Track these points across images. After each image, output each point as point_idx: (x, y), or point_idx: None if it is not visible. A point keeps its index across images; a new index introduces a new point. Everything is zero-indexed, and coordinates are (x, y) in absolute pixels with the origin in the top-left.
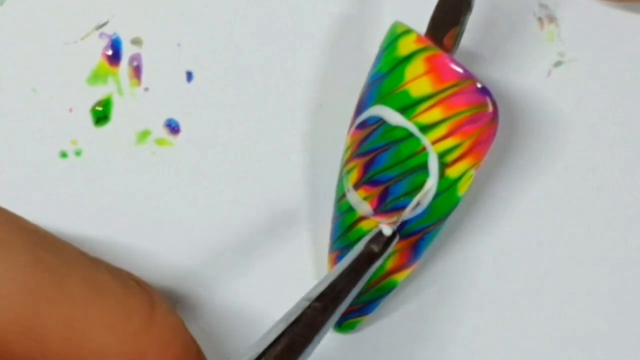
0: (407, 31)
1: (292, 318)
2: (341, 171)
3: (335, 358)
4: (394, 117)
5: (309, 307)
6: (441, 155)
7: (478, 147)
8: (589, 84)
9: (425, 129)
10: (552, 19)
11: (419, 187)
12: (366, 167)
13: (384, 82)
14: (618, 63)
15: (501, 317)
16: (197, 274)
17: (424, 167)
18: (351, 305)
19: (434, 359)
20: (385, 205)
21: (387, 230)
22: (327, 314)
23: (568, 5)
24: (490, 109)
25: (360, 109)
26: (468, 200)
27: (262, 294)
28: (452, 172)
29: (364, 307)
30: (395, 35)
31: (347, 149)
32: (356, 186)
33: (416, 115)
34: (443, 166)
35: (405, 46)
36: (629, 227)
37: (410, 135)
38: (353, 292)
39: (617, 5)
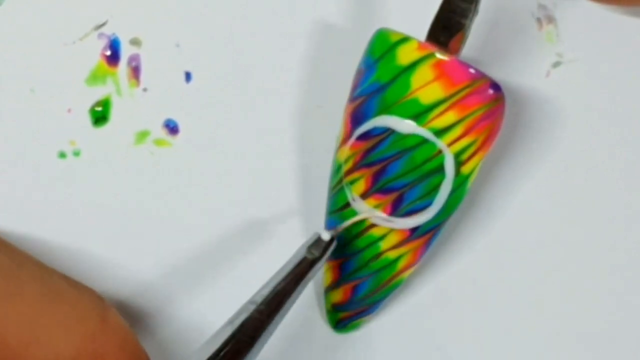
0: (405, 39)
1: (239, 321)
2: (338, 183)
3: (335, 358)
4: (405, 125)
5: (255, 310)
6: (457, 155)
7: (489, 140)
8: (587, 85)
9: (440, 132)
10: (550, 19)
11: (435, 188)
12: (376, 177)
13: (386, 92)
14: (617, 63)
15: (500, 316)
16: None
17: (439, 170)
18: (359, 306)
19: (433, 359)
20: (400, 210)
21: (326, 235)
22: (272, 317)
23: (567, 6)
24: (502, 101)
25: (358, 120)
26: (468, 201)
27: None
28: (466, 168)
29: (371, 307)
30: (390, 43)
31: (347, 160)
32: (364, 196)
33: (430, 121)
34: (459, 165)
35: (406, 54)
36: (629, 226)
37: (424, 141)
38: (295, 295)
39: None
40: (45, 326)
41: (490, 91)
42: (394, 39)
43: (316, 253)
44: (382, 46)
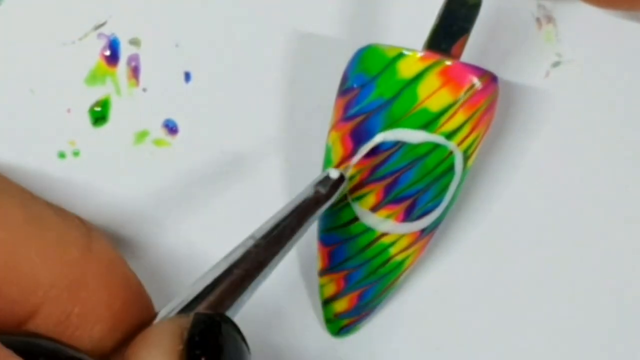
0: (404, 52)
1: (237, 255)
2: (340, 200)
3: (333, 359)
4: (416, 136)
5: (253, 245)
6: (465, 152)
7: (488, 128)
8: (587, 85)
9: (450, 135)
10: (550, 19)
11: (445, 187)
12: (387, 190)
13: (391, 107)
14: (616, 63)
15: (499, 316)
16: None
17: (450, 169)
18: (363, 311)
19: (433, 359)
20: (413, 215)
21: (334, 174)
22: (271, 252)
23: (566, 6)
24: (498, 90)
25: (361, 138)
26: (465, 201)
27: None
28: (471, 161)
29: (374, 310)
30: (388, 59)
31: (351, 178)
32: (375, 209)
33: (440, 127)
34: (466, 160)
35: (408, 67)
36: (629, 227)
37: (436, 146)
38: (299, 233)
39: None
40: (26, 252)
41: (492, 85)
42: (391, 54)
43: (323, 190)
44: (378, 62)
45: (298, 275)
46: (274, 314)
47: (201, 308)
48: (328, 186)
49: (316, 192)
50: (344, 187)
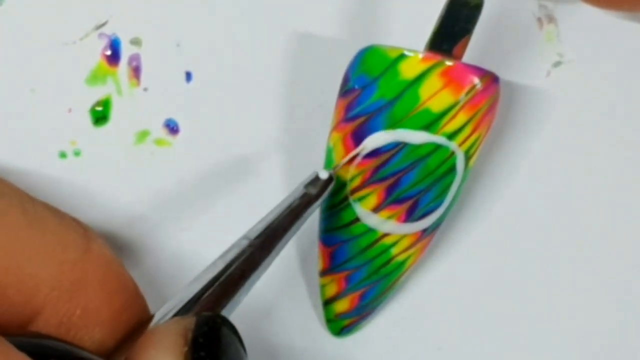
0: (406, 53)
1: (231, 256)
2: (342, 200)
3: (334, 358)
4: (418, 137)
5: (247, 245)
6: (466, 152)
7: (490, 128)
8: (588, 85)
9: (452, 135)
10: (551, 19)
11: (447, 187)
12: (389, 190)
13: (393, 107)
14: (617, 63)
15: (500, 316)
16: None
17: (452, 170)
18: (365, 311)
19: (433, 359)
20: (415, 215)
21: (324, 174)
22: (264, 252)
23: (567, 6)
24: (500, 90)
25: (362, 139)
26: (467, 201)
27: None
28: (472, 161)
29: (375, 309)
30: (389, 60)
31: (352, 179)
32: (376, 209)
33: (442, 128)
34: (467, 160)
35: (410, 68)
36: (629, 227)
37: (437, 147)
38: (290, 232)
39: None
40: (26, 254)
41: (494, 85)
42: (393, 55)
43: (313, 191)
44: (380, 63)
45: (299, 275)
46: (275, 314)
47: (198, 308)
48: (318, 187)
49: (306, 192)
50: (332, 187)
